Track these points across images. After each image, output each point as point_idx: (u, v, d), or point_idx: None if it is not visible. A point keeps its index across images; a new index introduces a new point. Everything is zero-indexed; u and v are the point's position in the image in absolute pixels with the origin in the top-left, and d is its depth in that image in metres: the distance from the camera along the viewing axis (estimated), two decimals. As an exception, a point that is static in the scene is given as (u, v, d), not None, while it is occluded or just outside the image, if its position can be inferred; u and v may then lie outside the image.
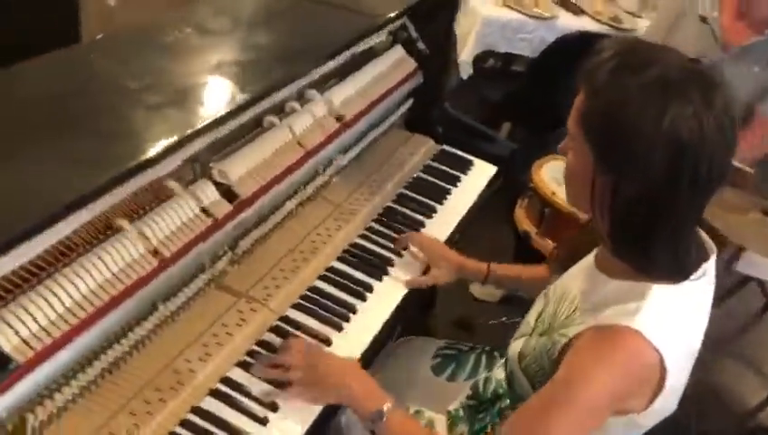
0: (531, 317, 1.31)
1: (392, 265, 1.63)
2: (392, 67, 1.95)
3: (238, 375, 1.30)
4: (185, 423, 1.20)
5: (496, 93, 3.41)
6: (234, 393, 1.26)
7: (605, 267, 1.16)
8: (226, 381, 1.28)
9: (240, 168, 1.40)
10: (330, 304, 1.49)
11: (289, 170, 1.51)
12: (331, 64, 1.69)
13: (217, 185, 1.34)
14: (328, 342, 1.39)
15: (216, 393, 1.26)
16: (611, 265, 1.13)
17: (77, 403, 1.15)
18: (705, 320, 1.13)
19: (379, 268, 1.61)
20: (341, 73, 1.78)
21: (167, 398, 1.21)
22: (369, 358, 1.45)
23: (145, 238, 1.18)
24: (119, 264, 1.14)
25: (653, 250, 1.05)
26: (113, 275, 1.13)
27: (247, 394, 1.26)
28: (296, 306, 1.47)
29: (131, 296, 1.15)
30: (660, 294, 1.06)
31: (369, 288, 1.55)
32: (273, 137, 1.50)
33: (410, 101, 2.08)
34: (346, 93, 1.74)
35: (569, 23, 3.35)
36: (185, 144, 1.24)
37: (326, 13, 1.81)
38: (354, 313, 1.48)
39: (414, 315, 2.52)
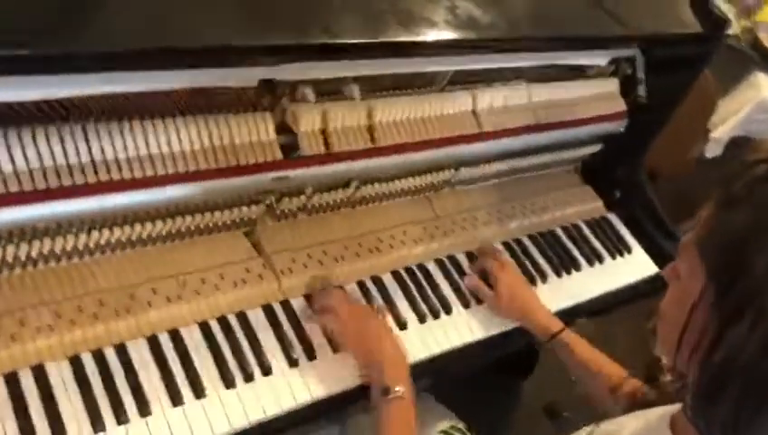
0: None
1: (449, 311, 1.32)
2: (596, 98, 1.58)
3: (192, 337, 1.09)
4: (96, 354, 1.02)
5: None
6: (170, 353, 1.06)
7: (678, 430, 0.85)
8: (174, 335, 1.08)
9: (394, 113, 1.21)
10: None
11: (432, 144, 1.27)
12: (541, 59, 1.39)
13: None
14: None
15: (152, 343, 1.06)
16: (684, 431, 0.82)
17: (15, 270, 1.02)
18: None
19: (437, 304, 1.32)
20: (542, 77, 1.47)
21: (102, 317, 1.04)
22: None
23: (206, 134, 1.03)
24: (162, 147, 1.01)
25: None
26: (149, 154, 1.00)
27: (184, 362, 1.06)
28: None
29: (144, 188, 1.00)
30: None
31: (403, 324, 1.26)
32: (452, 99, 1.30)
33: (598, 147, 1.69)
34: (545, 97, 1.45)
35: None
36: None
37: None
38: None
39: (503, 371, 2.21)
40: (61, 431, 0.93)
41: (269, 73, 1.08)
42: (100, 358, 1.01)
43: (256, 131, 1.08)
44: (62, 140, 0.93)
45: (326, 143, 1.16)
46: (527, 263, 1.49)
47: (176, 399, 1.02)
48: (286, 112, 1.13)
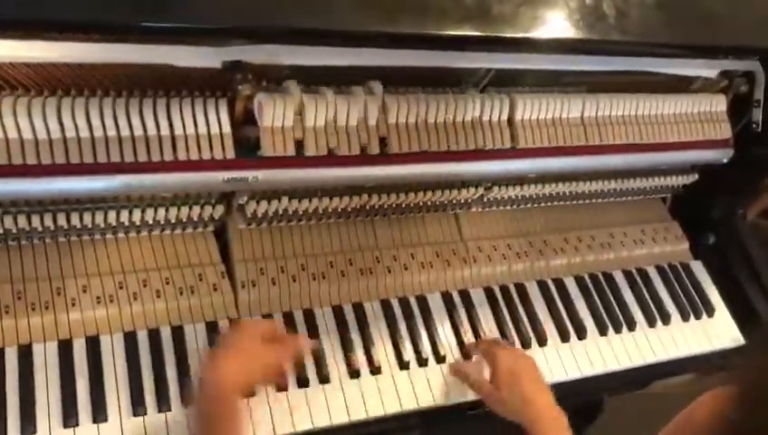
0: None
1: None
2: (696, 118, 1.25)
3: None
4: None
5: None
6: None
7: None
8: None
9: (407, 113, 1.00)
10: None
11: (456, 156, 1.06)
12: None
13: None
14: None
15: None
16: None
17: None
18: None
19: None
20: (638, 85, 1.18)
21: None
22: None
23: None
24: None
25: None
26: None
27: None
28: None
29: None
30: None
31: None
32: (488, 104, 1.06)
33: (693, 177, 1.36)
34: (625, 110, 1.17)
35: None
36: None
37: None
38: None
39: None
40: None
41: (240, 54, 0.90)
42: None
43: (205, 121, 0.90)
44: None
45: (301, 144, 0.96)
46: (562, 311, 1.21)
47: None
48: (253, 102, 0.94)
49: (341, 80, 0.99)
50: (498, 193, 1.19)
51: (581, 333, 1.20)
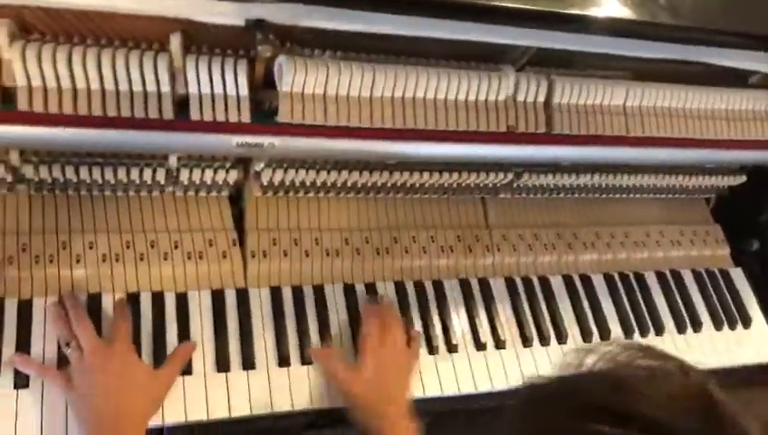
0: None
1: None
2: (752, 115, 1.16)
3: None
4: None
5: None
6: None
7: None
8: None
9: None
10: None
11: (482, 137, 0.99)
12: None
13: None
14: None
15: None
16: None
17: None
18: None
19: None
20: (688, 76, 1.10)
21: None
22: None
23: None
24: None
25: None
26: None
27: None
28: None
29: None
30: None
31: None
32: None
33: (741, 179, 1.27)
34: (667, 101, 1.08)
35: None
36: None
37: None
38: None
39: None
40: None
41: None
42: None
43: (221, 81, 0.86)
44: None
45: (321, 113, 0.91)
46: (587, 309, 1.15)
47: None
48: (273, 64, 0.90)
49: (367, 47, 0.94)
50: (529, 180, 1.12)
51: (604, 334, 1.13)
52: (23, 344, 0.87)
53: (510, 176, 1.10)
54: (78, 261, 0.93)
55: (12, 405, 0.83)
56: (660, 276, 1.24)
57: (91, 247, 0.94)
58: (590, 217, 1.25)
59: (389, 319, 0.99)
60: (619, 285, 1.20)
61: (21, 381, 0.85)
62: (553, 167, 1.12)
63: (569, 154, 1.07)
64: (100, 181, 0.93)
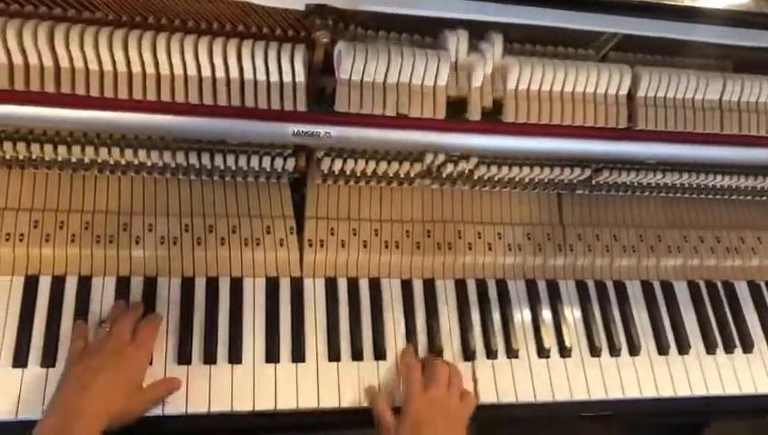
0: None
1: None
2: None
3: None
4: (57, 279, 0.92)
5: None
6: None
7: None
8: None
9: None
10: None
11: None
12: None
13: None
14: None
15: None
16: None
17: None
18: None
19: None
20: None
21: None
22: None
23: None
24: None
25: None
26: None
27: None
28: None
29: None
30: None
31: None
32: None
33: None
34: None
35: None
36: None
37: None
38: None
39: None
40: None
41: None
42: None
43: (277, 67, 0.83)
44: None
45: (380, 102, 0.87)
46: (665, 319, 1.07)
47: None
48: (333, 51, 0.86)
49: (434, 32, 0.89)
50: (609, 177, 1.04)
51: (683, 348, 1.05)
52: (80, 318, 0.89)
53: (587, 172, 1.02)
54: (137, 242, 0.94)
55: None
56: (753, 288, 1.13)
57: (150, 230, 0.95)
58: (676, 217, 1.15)
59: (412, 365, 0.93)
60: (705, 294, 1.10)
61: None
62: (637, 164, 1.03)
63: (653, 152, 0.98)
64: (160, 164, 0.93)
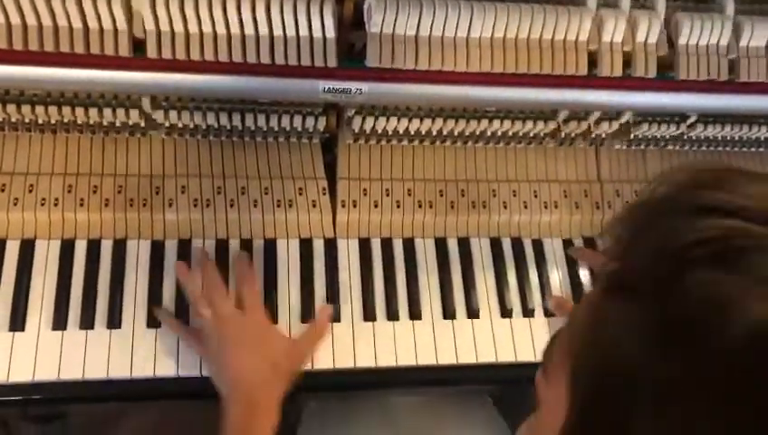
0: None
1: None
2: None
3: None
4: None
5: None
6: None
7: None
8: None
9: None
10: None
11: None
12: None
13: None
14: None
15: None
16: None
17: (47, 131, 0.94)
18: None
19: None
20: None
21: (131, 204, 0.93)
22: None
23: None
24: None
25: None
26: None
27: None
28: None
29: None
30: None
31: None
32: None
33: None
34: None
35: None
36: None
37: None
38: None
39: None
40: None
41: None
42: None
43: (307, 22, 0.81)
44: None
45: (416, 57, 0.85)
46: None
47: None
48: (363, 7, 0.84)
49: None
50: (648, 131, 1.01)
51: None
52: (116, 281, 0.89)
53: (619, 123, 0.99)
54: (170, 205, 0.94)
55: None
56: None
57: (183, 192, 0.95)
58: (721, 170, 1.11)
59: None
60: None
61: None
62: (678, 116, 1.00)
63: (696, 104, 0.94)
64: (191, 126, 0.93)
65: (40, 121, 0.90)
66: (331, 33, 0.82)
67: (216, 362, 0.83)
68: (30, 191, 0.91)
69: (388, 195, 0.99)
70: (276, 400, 0.81)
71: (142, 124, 0.91)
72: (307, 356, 0.88)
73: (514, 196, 1.03)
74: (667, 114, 0.99)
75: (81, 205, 0.91)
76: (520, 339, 0.95)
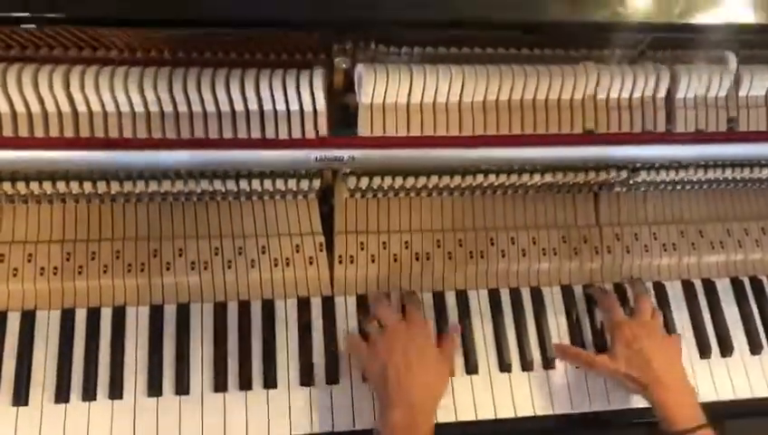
0: None
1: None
2: None
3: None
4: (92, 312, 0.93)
5: None
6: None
7: None
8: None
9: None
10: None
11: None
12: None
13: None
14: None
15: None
16: None
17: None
18: None
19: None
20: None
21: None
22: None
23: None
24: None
25: None
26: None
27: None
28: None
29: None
30: None
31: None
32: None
33: None
34: None
35: None
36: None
37: None
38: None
39: None
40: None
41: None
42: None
43: (297, 97, 0.81)
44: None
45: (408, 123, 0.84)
46: (707, 320, 1.04)
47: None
48: (353, 73, 0.83)
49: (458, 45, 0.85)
50: (647, 176, 1.00)
51: (726, 350, 1.02)
52: (116, 350, 0.90)
53: (623, 174, 0.98)
54: (168, 268, 0.94)
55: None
56: (802, 282, 1.08)
57: (180, 255, 0.95)
58: (720, 210, 1.10)
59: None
60: (749, 291, 1.07)
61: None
62: (676, 163, 0.99)
63: (694, 154, 0.93)
64: (186, 191, 0.93)
65: (35, 193, 0.90)
66: (321, 105, 0.82)
67: (379, 366, 0.88)
68: (29, 261, 0.91)
69: (385, 248, 0.99)
70: (437, 402, 0.88)
71: (137, 192, 0.91)
72: (451, 367, 0.94)
73: (512, 244, 1.02)
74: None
75: (80, 272, 0.92)
76: (519, 395, 0.95)
